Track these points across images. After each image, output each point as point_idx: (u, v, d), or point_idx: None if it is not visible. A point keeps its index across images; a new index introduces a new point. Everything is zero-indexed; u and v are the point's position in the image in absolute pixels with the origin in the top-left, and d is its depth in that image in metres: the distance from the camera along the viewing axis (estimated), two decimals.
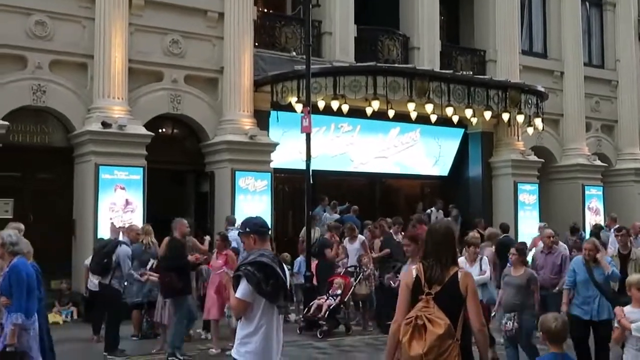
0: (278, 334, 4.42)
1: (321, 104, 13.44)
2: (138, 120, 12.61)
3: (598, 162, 19.09)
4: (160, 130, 13.72)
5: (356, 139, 15.84)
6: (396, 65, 15.32)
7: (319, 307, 10.52)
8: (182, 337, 8.71)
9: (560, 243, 10.18)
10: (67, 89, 12.46)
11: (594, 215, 18.23)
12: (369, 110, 14.06)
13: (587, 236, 14.37)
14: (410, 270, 4.06)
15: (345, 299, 10.75)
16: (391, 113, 14.34)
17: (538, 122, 16.03)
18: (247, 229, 4.53)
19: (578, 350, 7.03)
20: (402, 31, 16.73)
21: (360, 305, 11.35)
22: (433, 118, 14.77)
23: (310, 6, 12.53)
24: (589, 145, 19.36)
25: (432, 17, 16.62)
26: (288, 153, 14.14)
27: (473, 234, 10.86)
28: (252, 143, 13.48)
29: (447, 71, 15.18)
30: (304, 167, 11.87)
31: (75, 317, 11.77)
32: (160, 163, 12.92)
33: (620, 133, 20.44)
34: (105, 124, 11.99)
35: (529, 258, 9.57)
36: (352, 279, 10.90)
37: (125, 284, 9.34)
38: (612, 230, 12.50)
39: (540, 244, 9.95)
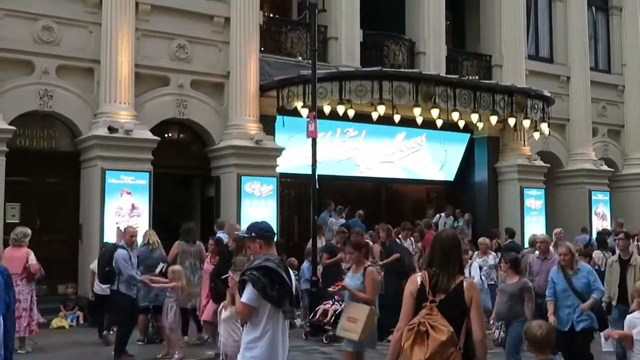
0: (284, 339, 4.40)
1: (327, 109, 13.43)
2: (144, 125, 12.65)
3: (605, 167, 19.05)
4: (166, 135, 13.73)
5: (362, 144, 15.83)
6: (402, 70, 15.29)
7: (325, 312, 10.47)
8: None
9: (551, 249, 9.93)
10: (74, 93, 12.50)
11: (600, 220, 18.17)
12: (374, 115, 14.04)
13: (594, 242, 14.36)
14: (415, 278, 4.03)
15: None
16: (397, 118, 14.36)
17: (544, 127, 16.00)
18: (253, 234, 4.51)
19: None
20: (408, 36, 16.75)
21: None
22: (439, 123, 14.76)
23: (316, 11, 12.55)
24: (596, 150, 19.33)
25: (438, 22, 16.64)
26: (294, 158, 14.14)
27: (482, 239, 10.83)
28: (258, 148, 13.50)
29: (453, 76, 15.18)
30: (309, 172, 11.83)
31: (81, 321, 11.75)
32: (166, 168, 12.97)
33: (627, 138, 20.40)
34: (111, 129, 12.02)
35: None
36: None
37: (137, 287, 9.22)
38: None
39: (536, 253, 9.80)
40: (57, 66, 12.36)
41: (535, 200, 17.07)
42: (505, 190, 17.14)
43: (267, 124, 13.96)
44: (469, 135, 17.15)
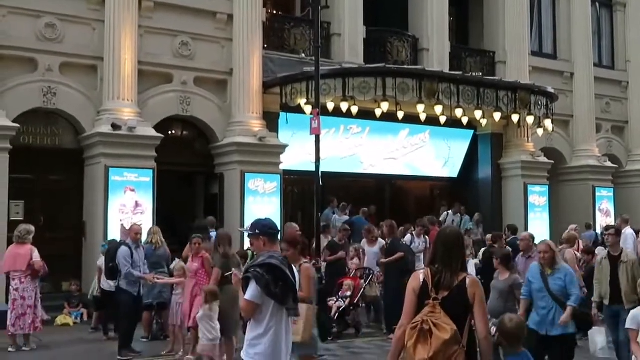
0: (287, 336, 4.41)
1: (330, 106, 13.39)
2: (148, 122, 12.62)
3: (609, 164, 19.00)
4: (169, 132, 13.73)
5: (365, 141, 15.80)
6: (405, 66, 15.28)
7: (329, 308, 10.37)
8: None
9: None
10: (77, 91, 12.49)
11: (604, 217, 18.11)
12: (378, 112, 14.02)
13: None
14: (418, 275, 4.00)
15: (355, 301, 10.70)
16: (400, 114, 14.29)
17: (548, 123, 15.96)
18: (257, 231, 4.50)
19: None
20: (412, 32, 16.69)
21: (372, 307, 11.29)
22: (442, 119, 14.69)
23: (320, 8, 12.45)
24: (600, 147, 19.28)
25: (441, 19, 16.57)
26: (297, 155, 14.10)
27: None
28: (261, 145, 13.47)
29: (456, 72, 15.13)
30: (313, 169, 11.78)
31: (85, 318, 11.74)
32: (169, 165, 12.94)
33: (631, 134, 20.35)
34: (115, 126, 12.01)
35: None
36: (362, 281, 10.83)
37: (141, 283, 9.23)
38: (624, 231, 12.44)
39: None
40: (61, 63, 12.34)
41: (539, 196, 17.03)
42: (508, 186, 17.10)
43: (271, 121, 13.93)
44: (472, 131, 17.13)
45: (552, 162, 17.66)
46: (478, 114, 14.87)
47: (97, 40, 12.61)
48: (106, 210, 11.98)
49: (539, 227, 16.06)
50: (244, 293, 4.32)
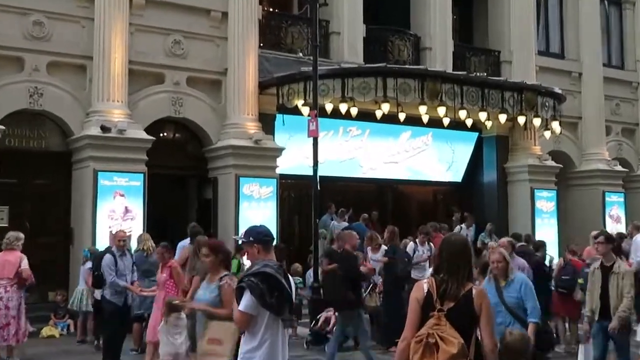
0: (283, 348, 4.33)
1: (329, 107, 13.29)
2: (138, 124, 12.49)
3: (619, 168, 18.85)
4: (161, 135, 13.59)
5: (365, 144, 15.71)
6: (407, 66, 15.17)
7: (327, 320, 10.29)
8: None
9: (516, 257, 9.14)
10: (65, 91, 12.36)
11: (615, 223, 17.87)
12: (378, 114, 13.91)
13: None
14: (421, 285, 3.91)
15: None
16: (402, 116, 14.16)
17: (555, 125, 15.84)
18: (251, 238, 4.41)
19: None
20: (413, 31, 16.61)
21: (371, 318, 10.92)
22: (446, 121, 14.63)
23: (318, 5, 12.39)
24: (610, 150, 19.14)
25: (444, 17, 16.50)
26: (294, 158, 14.03)
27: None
28: (257, 148, 13.37)
29: (460, 72, 15.04)
30: (311, 172, 11.74)
31: (72, 330, 11.51)
32: (161, 168, 12.83)
33: None
34: (104, 128, 11.86)
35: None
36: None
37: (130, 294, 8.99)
38: (635, 238, 12.01)
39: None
40: (48, 63, 12.21)
41: (546, 202, 16.90)
42: (515, 191, 16.97)
43: (267, 123, 13.82)
44: (477, 134, 17.03)
45: (560, 166, 17.56)
46: (483, 115, 14.82)
47: (86, 38, 12.49)
48: (94, 216, 11.82)
49: (546, 234, 15.84)
50: (238, 304, 4.22)
